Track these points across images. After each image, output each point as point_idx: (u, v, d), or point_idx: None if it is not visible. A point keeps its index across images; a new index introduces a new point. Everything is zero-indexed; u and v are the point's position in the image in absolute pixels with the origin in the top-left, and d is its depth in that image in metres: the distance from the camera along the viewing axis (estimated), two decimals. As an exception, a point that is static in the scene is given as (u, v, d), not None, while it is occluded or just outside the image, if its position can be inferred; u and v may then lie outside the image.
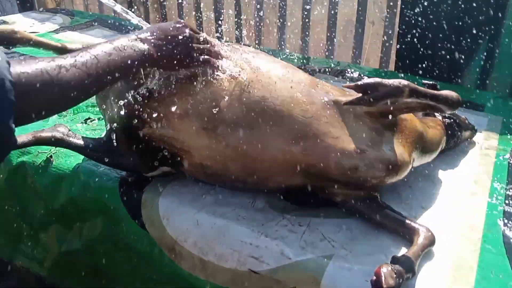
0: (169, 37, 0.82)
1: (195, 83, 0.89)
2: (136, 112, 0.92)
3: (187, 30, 0.84)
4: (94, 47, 0.76)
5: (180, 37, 0.83)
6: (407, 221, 0.85)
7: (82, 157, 1.07)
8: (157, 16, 2.90)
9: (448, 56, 1.85)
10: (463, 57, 1.82)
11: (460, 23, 1.76)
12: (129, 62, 0.79)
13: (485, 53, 1.76)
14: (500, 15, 1.65)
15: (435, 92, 0.85)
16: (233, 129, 0.87)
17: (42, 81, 0.70)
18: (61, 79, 0.71)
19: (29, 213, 1.12)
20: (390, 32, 2.16)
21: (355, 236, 0.86)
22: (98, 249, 1.03)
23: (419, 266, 0.78)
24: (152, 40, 0.80)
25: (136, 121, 0.93)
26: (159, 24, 0.85)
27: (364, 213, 0.89)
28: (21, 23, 2.20)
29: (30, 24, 2.18)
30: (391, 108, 0.84)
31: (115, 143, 0.97)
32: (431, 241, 0.82)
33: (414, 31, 1.91)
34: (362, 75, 1.67)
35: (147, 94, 0.89)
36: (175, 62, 0.83)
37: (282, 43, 2.49)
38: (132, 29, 2.17)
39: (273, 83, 0.89)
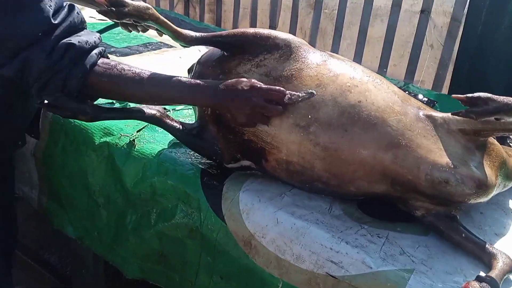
0: (237, 96, 0.90)
1: (293, 81, 0.92)
2: None
3: (253, 93, 0.90)
4: (177, 81, 0.93)
5: (246, 99, 0.90)
6: (487, 245, 0.86)
7: (164, 144, 1.11)
8: (213, 16, 2.96)
9: (503, 88, 1.84)
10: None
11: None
12: (192, 104, 1.05)
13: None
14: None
15: None
16: (326, 129, 0.90)
17: (114, 80, 0.91)
18: (128, 89, 0.92)
19: (102, 193, 1.16)
20: (447, 57, 2.17)
21: (433, 254, 0.87)
22: (169, 236, 1.06)
23: (500, 291, 0.79)
24: (223, 97, 0.91)
25: None
26: (232, 83, 0.92)
27: (443, 231, 0.90)
28: (86, 11, 2.27)
29: (92, 13, 2.25)
30: (488, 127, 0.86)
31: (204, 129, 1.01)
32: (511, 267, 0.83)
33: (472, 59, 1.91)
34: (423, 96, 1.68)
35: None
36: (237, 119, 0.93)
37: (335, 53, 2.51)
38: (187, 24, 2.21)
39: (368, 89, 0.92)
